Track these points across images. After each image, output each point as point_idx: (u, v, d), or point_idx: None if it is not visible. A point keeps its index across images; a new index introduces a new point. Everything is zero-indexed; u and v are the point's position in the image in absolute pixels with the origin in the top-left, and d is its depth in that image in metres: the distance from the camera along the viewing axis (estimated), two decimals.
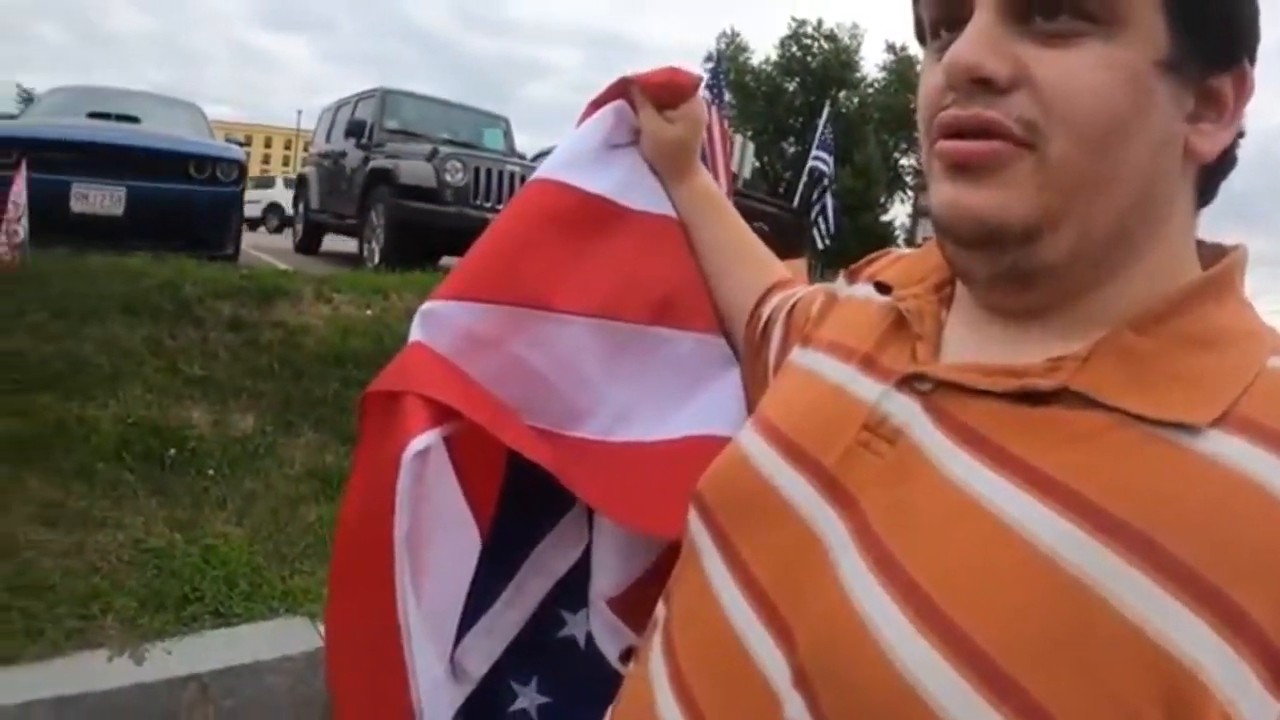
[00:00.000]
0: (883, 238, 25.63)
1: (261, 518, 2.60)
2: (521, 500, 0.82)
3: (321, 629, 1.65)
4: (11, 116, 7.41)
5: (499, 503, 0.81)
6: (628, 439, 0.82)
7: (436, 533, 0.75)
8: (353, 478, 0.82)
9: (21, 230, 3.62)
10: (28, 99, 13.82)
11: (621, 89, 0.87)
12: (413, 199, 6.13)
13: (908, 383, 0.51)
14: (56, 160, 4.75)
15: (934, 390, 0.49)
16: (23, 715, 1.82)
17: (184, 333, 3.29)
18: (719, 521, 0.57)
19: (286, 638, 2.15)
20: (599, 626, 0.83)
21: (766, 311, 0.82)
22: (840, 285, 0.68)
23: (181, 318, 3.35)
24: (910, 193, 29.93)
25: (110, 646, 2.06)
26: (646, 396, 0.83)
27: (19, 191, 3.71)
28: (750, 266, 0.88)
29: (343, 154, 7.87)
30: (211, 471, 2.72)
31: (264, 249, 8.60)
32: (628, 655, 0.79)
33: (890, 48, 29.51)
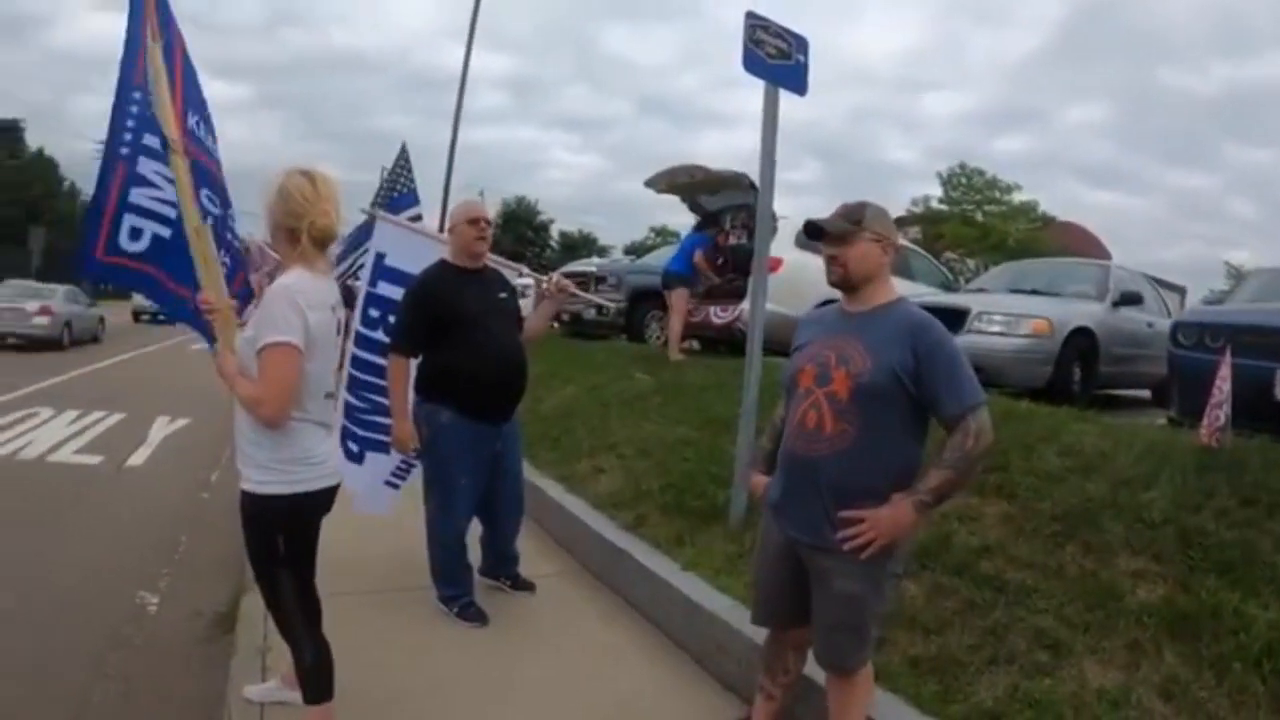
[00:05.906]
0: None
1: None
2: None
3: None
4: (1218, 300, 7.89)
5: None
6: None
7: None
8: None
9: (1222, 414, 3.79)
10: (1235, 275, 14.45)
11: None
12: None
13: None
14: (1261, 345, 4.85)
15: None
16: None
17: None
18: None
19: None
20: None
21: None
22: None
23: None
24: None
25: None
26: None
27: (1224, 376, 3.84)
28: None
29: None
30: None
31: None
32: None
33: None
